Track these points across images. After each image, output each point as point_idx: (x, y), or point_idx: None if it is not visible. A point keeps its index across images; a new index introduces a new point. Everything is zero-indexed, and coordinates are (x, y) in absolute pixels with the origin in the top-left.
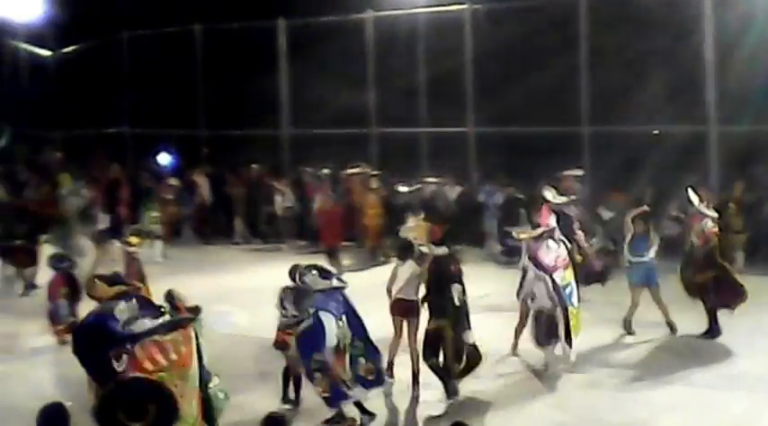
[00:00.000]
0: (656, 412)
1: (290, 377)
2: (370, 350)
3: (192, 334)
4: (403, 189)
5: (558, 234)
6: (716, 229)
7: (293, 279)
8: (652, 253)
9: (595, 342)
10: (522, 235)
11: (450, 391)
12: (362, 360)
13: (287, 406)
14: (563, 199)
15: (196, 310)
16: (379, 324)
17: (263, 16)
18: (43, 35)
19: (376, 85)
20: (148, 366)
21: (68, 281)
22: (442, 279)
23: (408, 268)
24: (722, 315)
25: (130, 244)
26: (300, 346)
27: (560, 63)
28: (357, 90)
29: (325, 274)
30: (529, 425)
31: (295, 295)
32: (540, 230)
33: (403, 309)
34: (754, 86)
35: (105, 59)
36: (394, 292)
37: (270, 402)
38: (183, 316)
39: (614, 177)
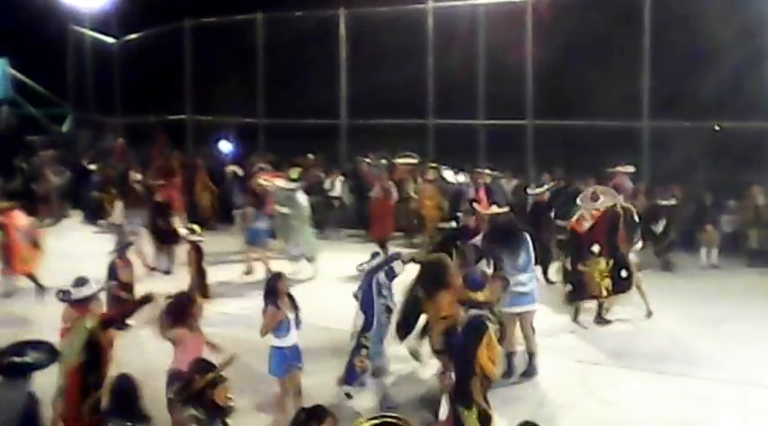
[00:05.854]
0: (713, 410)
1: None
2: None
3: None
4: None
5: None
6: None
7: None
8: None
9: None
10: None
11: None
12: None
13: None
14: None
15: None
16: None
17: (324, 6)
18: (108, 22)
19: (434, 76)
20: None
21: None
22: None
23: None
24: None
25: (193, 232)
26: None
27: (621, 57)
28: (416, 80)
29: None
30: None
31: None
32: None
33: None
34: None
35: (168, 47)
36: None
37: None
38: None
39: (674, 173)
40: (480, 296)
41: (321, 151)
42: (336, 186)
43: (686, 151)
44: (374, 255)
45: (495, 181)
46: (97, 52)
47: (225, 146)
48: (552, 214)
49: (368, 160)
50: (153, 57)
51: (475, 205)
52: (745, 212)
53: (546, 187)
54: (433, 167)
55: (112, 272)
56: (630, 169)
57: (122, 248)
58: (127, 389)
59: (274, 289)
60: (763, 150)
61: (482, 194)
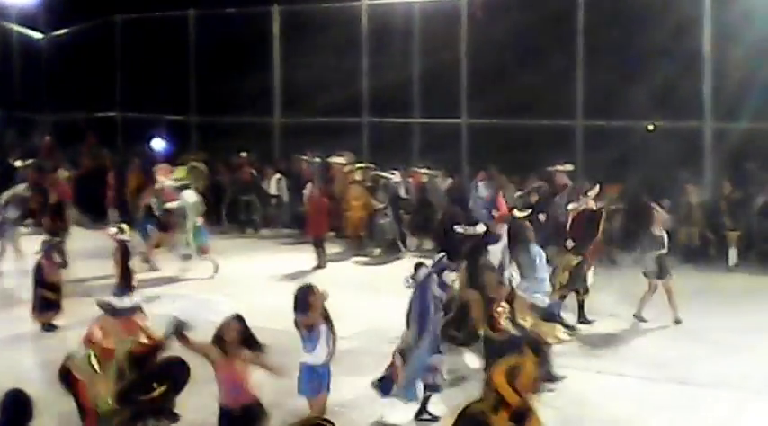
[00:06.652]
0: (644, 409)
1: None
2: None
3: None
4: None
5: None
6: None
7: None
8: None
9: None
10: None
11: None
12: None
13: None
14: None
15: None
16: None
17: (257, 2)
18: (35, 17)
19: (369, 74)
20: None
21: None
22: None
23: None
24: (713, 314)
25: (121, 231)
26: None
27: (556, 56)
28: (350, 78)
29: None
30: None
31: None
32: None
33: None
34: (750, 83)
35: (97, 43)
36: None
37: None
38: None
39: (607, 171)
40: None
41: (254, 149)
42: (272, 185)
43: (620, 150)
44: (418, 267)
45: (432, 180)
46: (24, 48)
47: (157, 144)
48: (544, 216)
49: (305, 158)
50: (82, 53)
51: (494, 212)
52: (680, 211)
53: (532, 187)
54: (360, 168)
55: (39, 273)
56: (569, 168)
57: (49, 248)
58: (19, 406)
59: (304, 302)
60: (696, 149)
61: (500, 200)
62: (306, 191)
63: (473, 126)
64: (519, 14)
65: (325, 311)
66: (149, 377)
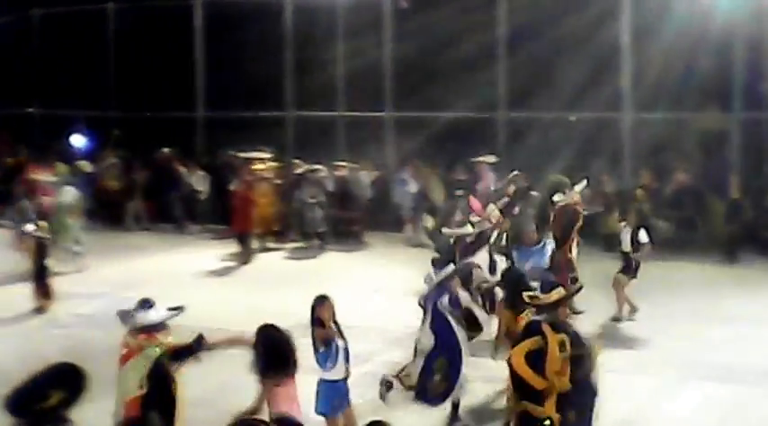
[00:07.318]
0: None
1: None
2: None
3: None
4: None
5: None
6: None
7: None
8: None
9: None
10: None
11: None
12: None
13: None
14: None
15: None
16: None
17: None
18: None
19: (294, 68)
20: None
21: None
22: None
23: None
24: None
25: (39, 229)
26: None
27: (478, 48)
28: (275, 72)
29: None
30: None
31: None
32: None
33: None
34: (669, 74)
35: (15, 37)
36: None
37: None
38: None
39: (529, 163)
40: (553, 296)
41: (177, 144)
42: (195, 180)
43: (543, 141)
44: (436, 264)
45: (354, 174)
46: None
47: (77, 140)
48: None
49: (232, 153)
50: None
51: (473, 218)
52: (596, 199)
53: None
54: (274, 166)
55: None
56: (491, 159)
57: None
58: None
59: (317, 314)
60: (616, 140)
61: (474, 202)
62: (232, 187)
63: (398, 119)
64: (441, 6)
65: (337, 324)
66: (44, 384)
